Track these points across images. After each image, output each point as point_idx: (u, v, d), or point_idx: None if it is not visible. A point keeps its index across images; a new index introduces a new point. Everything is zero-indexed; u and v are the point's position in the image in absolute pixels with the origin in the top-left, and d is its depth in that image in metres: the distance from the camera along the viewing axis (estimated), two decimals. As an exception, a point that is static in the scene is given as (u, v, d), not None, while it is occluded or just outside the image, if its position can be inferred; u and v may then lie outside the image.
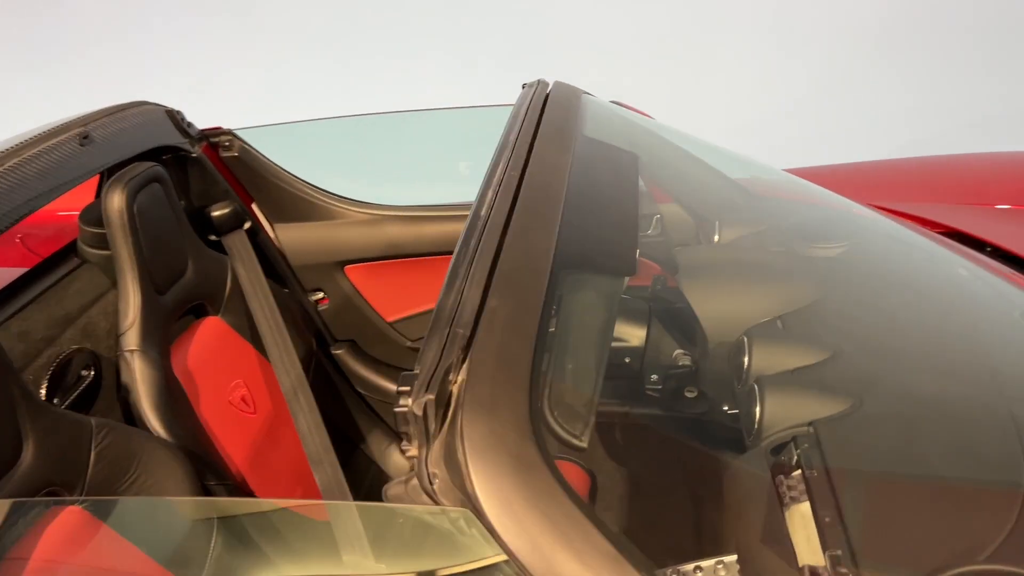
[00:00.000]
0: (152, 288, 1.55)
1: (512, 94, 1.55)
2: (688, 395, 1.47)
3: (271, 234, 2.09)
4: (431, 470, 0.68)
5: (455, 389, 0.70)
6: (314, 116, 2.68)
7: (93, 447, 1.25)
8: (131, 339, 1.48)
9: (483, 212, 0.95)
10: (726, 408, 1.34)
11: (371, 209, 2.07)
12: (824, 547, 0.93)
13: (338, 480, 1.66)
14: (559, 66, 3.73)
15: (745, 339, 1.27)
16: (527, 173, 1.02)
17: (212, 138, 1.89)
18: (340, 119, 2.81)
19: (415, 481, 0.70)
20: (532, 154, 1.09)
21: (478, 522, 0.64)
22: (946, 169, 2.06)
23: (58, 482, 1.19)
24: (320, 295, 2.19)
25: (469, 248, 0.88)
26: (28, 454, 1.14)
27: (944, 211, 1.77)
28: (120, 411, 1.57)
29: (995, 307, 1.35)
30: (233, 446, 1.67)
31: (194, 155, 1.81)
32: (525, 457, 0.65)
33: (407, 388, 0.69)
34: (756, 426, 1.14)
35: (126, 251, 1.49)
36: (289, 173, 2.04)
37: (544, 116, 1.26)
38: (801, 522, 1.01)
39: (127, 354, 1.46)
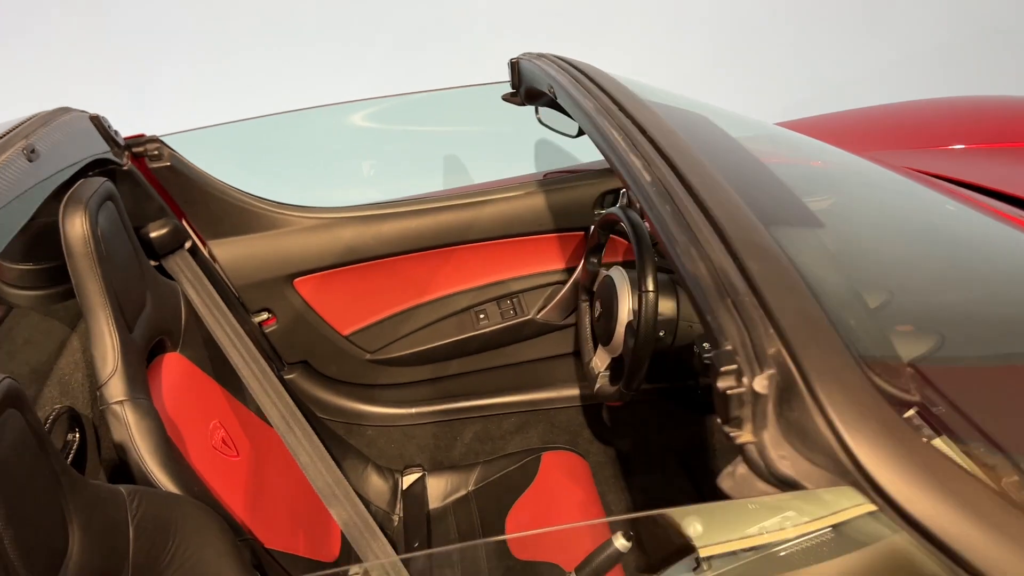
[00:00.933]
0: (125, 326, 1.30)
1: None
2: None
3: (205, 252, 1.83)
4: (777, 452, 0.59)
5: (774, 361, 0.62)
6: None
7: (131, 521, 1.02)
8: (116, 389, 1.23)
9: (647, 177, 0.86)
10: None
11: (320, 213, 1.87)
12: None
13: (360, 512, 1.49)
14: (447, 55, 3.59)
15: None
16: (651, 138, 0.95)
17: (136, 147, 1.62)
18: (223, 125, 2.53)
19: (742, 468, 0.61)
20: (635, 119, 1.01)
21: (866, 500, 0.57)
22: (892, 118, 2.22)
23: (106, 569, 0.96)
24: (265, 316, 1.96)
25: (666, 214, 0.79)
26: (75, 541, 0.91)
27: (906, 156, 1.91)
28: (104, 473, 1.32)
29: (996, 234, 1.45)
30: (230, 495, 1.45)
31: (125, 167, 1.54)
32: (891, 422, 0.59)
33: (733, 367, 0.61)
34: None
35: (95, 285, 1.24)
36: (223, 182, 1.80)
37: (598, 82, 1.18)
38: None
39: (115, 407, 1.21)
